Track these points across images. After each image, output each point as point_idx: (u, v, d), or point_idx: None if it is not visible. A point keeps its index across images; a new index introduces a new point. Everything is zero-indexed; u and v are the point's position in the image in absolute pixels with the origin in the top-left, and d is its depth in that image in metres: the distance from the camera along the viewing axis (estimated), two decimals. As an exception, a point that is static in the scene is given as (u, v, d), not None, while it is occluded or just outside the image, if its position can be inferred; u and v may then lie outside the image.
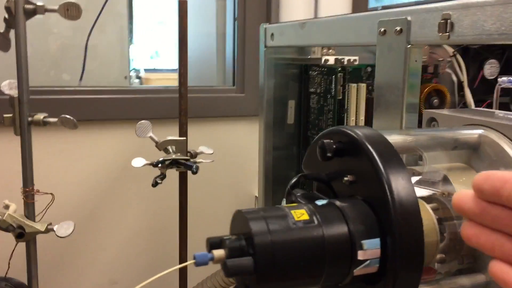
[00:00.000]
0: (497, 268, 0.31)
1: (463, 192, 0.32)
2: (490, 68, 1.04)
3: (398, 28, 0.58)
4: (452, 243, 0.40)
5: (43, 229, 0.70)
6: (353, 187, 0.40)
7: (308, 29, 0.85)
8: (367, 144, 0.38)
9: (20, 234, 0.68)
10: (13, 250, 0.77)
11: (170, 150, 0.80)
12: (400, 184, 0.36)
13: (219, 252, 0.35)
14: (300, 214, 0.36)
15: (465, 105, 1.05)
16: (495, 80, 0.92)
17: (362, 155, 0.38)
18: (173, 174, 0.93)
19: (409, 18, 0.57)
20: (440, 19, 0.51)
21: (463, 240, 0.40)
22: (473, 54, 1.01)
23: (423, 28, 0.55)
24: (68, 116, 0.66)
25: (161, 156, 0.81)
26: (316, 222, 0.35)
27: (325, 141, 0.40)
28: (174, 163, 0.78)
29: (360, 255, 0.35)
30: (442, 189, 0.44)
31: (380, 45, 0.62)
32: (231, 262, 0.33)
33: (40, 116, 0.66)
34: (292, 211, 0.36)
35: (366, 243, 0.35)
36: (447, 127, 0.51)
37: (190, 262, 0.35)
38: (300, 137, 1.17)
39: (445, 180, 0.45)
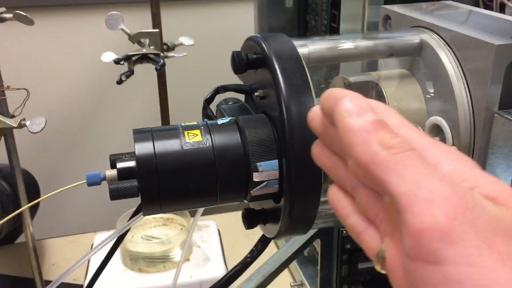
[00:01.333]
0: (331, 192, 0.29)
1: (316, 108, 0.29)
2: None
3: None
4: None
5: (16, 124, 0.71)
6: (263, 102, 0.37)
7: None
8: (273, 57, 0.35)
9: (-6, 129, 0.70)
10: (-1, 142, 0.80)
11: (145, 43, 0.77)
12: (298, 104, 0.33)
13: (111, 172, 0.34)
14: (193, 135, 0.34)
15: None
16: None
17: (268, 69, 0.35)
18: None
19: None
20: None
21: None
22: None
23: None
24: (22, 13, 0.63)
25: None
26: (208, 144, 0.34)
27: (236, 52, 0.37)
28: (145, 58, 0.75)
29: (256, 177, 0.34)
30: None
31: None
32: (113, 185, 0.33)
33: (-5, 11, 0.64)
34: (186, 132, 0.35)
35: (262, 165, 0.34)
36: (397, 27, 0.46)
37: (81, 182, 0.35)
38: (299, 22, 1.11)
39: (378, 90, 0.42)
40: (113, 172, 0.34)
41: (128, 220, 0.38)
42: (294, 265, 0.85)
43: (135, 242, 0.83)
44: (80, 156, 1.32)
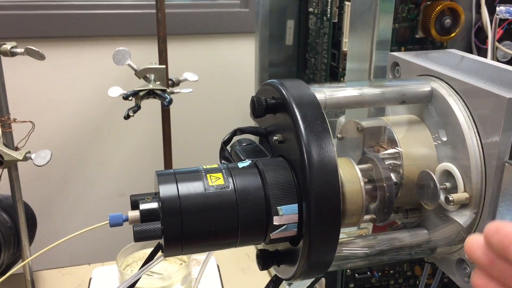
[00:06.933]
0: None
1: (474, 238, 0.30)
2: (518, -22, 0.94)
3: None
4: (382, 204, 0.39)
5: (21, 157, 0.71)
6: (282, 147, 0.38)
7: None
8: (293, 104, 0.36)
9: (-1, 162, 0.70)
10: (1, 174, 0.80)
11: (150, 78, 0.78)
12: (319, 150, 0.34)
13: (134, 214, 0.35)
14: (216, 178, 0.35)
15: (482, 24, 0.98)
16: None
17: (288, 114, 0.36)
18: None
19: None
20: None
21: (393, 200, 0.40)
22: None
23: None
24: (33, 48, 0.65)
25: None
26: (230, 187, 0.35)
27: (256, 97, 0.39)
28: (152, 93, 0.76)
29: (276, 220, 0.35)
30: (385, 146, 0.43)
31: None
32: (137, 227, 0.33)
33: (7, 46, 0.65)
34: (208, 175, 0.35)
35: (282, 208, 0.35)
36: (405, 74, 0.48)
37: (104, 223, 0.36)
38: (298, 59, 1.13)
39: (389, 135, 0.43)
40: (136, 213, 0.35)
41: (145, 263, 0.38)
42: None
43: (134, 277, 0.82)
44: (77, 187, 1.32)
